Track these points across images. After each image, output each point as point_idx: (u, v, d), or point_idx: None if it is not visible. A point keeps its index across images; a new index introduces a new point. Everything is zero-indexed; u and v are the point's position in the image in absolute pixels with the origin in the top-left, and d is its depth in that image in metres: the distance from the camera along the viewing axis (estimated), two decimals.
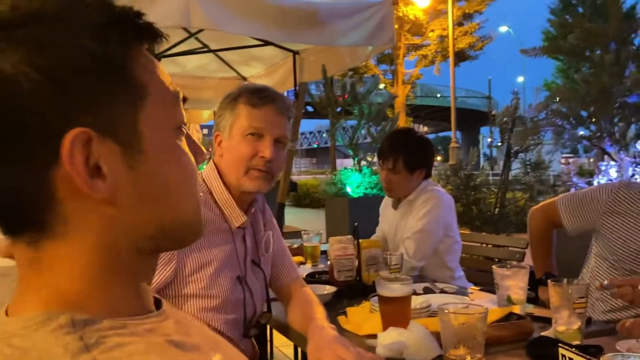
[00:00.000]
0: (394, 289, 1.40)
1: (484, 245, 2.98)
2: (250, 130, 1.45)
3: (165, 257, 1.30)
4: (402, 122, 15.12)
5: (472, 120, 38.30)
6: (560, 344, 1.14)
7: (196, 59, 5.55)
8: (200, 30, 4.85)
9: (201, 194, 1.39)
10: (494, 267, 1.60)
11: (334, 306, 1.75)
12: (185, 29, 4.86)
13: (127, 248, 0.55)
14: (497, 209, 4.91)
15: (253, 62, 5.65)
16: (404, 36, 15.09)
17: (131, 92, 0.54)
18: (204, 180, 1.49)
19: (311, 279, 2.09)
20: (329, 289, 1.87)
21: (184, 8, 3.26)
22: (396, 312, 1.40)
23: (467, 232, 3.73)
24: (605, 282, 1.57)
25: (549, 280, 1.40)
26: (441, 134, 51.70)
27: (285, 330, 1.63)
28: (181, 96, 0.63)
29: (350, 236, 1.98)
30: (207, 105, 6.85)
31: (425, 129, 47.20)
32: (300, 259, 2.58)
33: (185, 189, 0.59)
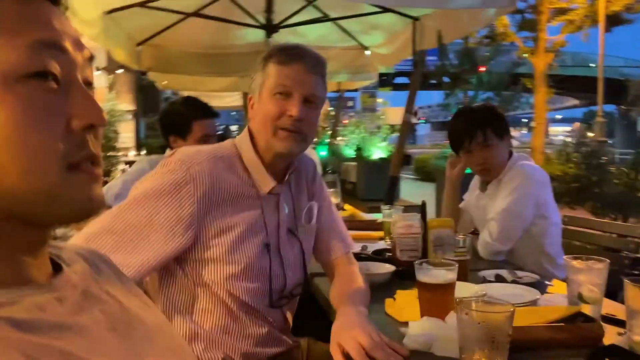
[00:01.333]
0: (433, 275, 1.26)
1: (602, 232, 2.64)
2: (278, 88, 1.38)
3: (184, 223, 1.29)
4: (542, 94, 13.89)
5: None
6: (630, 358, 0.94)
7: (317, 30, 5.54)
8: None
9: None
10: (565, 257, 1.38)
11: (390, 287, 1.64)
12: None
13: None
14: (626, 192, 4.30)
15: (373, 30, 5.52)
16: (548, 0, 13.78)
17: None
18: (234, 144, 1.45)
19: (376, 256, 1.99)
20: (387, 268, 1.76)
21: None
22: (434, 301, 1.27)
23: (585, 216, 3.34)
24: None
25: (624, 279, 1.17)
26: (595, 108, 47.29)
27: (329, 309, 1.55)
28: (30, 39, 0.53)
29: (417, 213, 1.84)
30: (330, 76, 6.86)
31: (576, 102, 43.41)
32: (380, 234, 2.47)
33: (12, 153, 0.51)
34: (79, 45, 0.59)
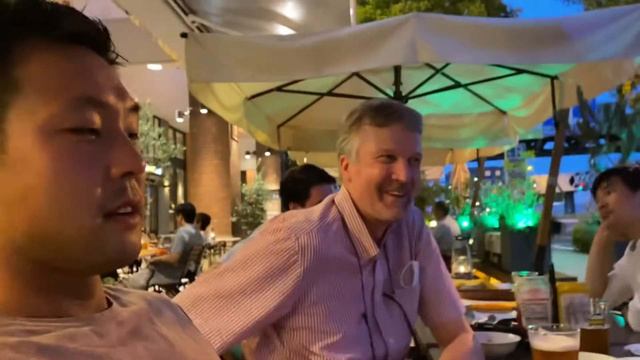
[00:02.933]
0: (549, 341, 1.09)
1: None
2: (381, 152, 1.31)
3: (286, 292, 1.24)
4: None
5: None
6: None
7: (449, 97, 5.50)
8: (445, 66, 4.81)
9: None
10: None
11: (517, 359, 1.46)
12: (430, 66, 4.87)
13: (8, 251, 0.55)
14: None
15: (509, 93, 5.35)
16: None
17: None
18: (336, 206, 1.39)
19: (501, 326, 1.79)
20: (511, 339, 1.57)
21: (409, 43, 3.28)
22: None
23: None
24: None
25: None
26: None
27: None
28: (72, 96, 0.56)
29: (545, 277, 1.64)
30: (468, 143, 6.70)
31: None
32: (513, 304, 2.24)
33: (50, 200, 0.54)
34: (121, 96, 0.61)
